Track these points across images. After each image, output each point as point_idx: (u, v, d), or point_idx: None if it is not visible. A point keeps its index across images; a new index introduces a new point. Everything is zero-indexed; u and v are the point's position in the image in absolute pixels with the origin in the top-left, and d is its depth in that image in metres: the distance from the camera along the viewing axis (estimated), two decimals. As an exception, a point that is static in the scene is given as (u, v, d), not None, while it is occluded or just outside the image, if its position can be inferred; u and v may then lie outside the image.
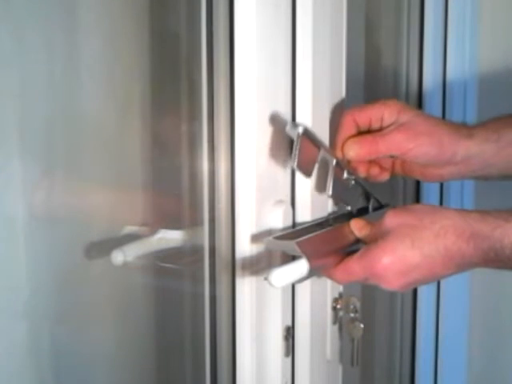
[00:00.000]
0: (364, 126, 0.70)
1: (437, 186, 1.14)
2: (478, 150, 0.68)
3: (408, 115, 0.68)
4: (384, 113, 0.68)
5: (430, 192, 1.13)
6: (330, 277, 0.65)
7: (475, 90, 1.10)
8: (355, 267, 0.62)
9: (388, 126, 0.69)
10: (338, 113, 0.74)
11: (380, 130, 0.69)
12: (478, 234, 0.58)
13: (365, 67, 0.96)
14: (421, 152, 0.67)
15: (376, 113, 0.69)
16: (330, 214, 0.73)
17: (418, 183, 1.14)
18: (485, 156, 0.68)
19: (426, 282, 0.62)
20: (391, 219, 0.61)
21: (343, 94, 0.75)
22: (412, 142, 0.67)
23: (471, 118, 1.09)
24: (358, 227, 0.66)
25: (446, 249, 0.59)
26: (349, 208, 0.72)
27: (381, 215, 0.63)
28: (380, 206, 0.75)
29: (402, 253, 0.59)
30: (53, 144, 0.53)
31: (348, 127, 0.69)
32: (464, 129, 0.69)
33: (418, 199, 1.13)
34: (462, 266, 0.60)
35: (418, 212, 0.62)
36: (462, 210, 0.61)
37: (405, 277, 0.60)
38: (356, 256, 0.62)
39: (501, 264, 0.59)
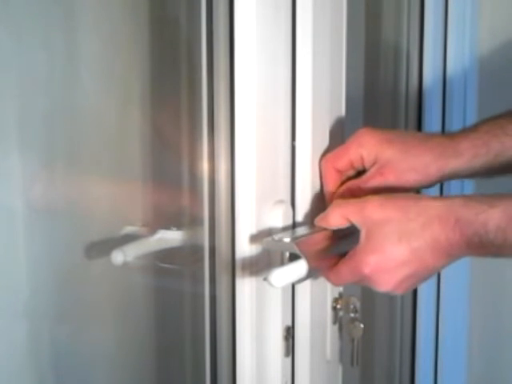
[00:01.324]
0: (346, 170, 0.69)
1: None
2: (467, 167, 0.67)
3: (387, 153, 0.66)
4: (362, 154, 0.67)
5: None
6: (326, 278, 0.65)
7: (475, 81, 1.10)
8: (344, 270, 0.61)
9: (371, 166, 0.67)
10: (337, 112, 0.74)
11: (364, 169, 0.68)
12: (462, 219, 0.57)
13: (365, 60, 0.96)
14: (408, 185, 0.67)
15: (354, 156, 0.67)
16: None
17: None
18: (473, 169, 0.67)
19: (419, 276, 0.60)
20: (374, 212, 0.60)
21: (343, 92, 0.75)
22: (398, 182, 0.66)
23: (471, 108, 1.09)
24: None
25: (433, 239, 0.58)
26: None
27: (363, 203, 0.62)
28: None
29: (389, 250, 0.58)
30: (52, 145, 0.53)
31: (331, 178, 0.69)
32: (451, 146, 0.67)
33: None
34: (453, 255, 0.59)
35: (401, 204, 0.60)
36: (446, 198, 0.60)
37: (395, 274, 0.59)
38: (344, 258, 0.61)
39: (483, 251, 0.57)
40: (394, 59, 1.09)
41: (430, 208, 0.59)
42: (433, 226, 0.58)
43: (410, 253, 0.58)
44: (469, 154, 0.66)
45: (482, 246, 0.57)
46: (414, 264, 0.59)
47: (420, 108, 1.12)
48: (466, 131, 0.69)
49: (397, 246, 0.58)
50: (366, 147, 0.67)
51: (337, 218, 0.63)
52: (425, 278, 0.62)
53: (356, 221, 0.61)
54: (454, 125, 1.10)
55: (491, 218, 0.56)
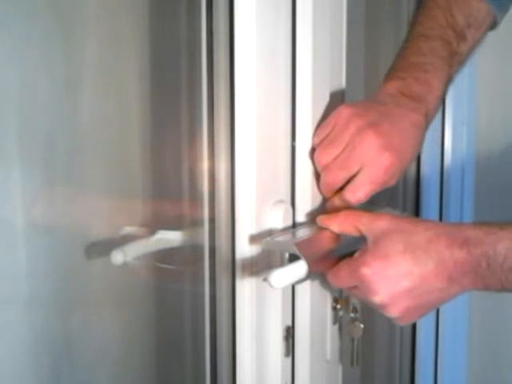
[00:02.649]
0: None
1: (436, 188, 1.14)
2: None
3: (389, 163, 0.66)
4: None
5: (430, 194, 1.14)
6: (325, 279, 0.64)
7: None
8: (343, 270, 0.61)
9: None
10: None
11: None
12: (471, 238, 0.57)
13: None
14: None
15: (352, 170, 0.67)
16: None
17: (417, 186, 1.14)
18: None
19: (417, 297, 0.59)
20: (385, 224, 0.61)
21: (343, 92, 0.75)
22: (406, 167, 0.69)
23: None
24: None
25: (438, 254, 0.57)
26: None
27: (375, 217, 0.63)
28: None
29: (393, 258, 0.58)
30: (53, 146, 0.53)
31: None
32: (427, 115, 0.69)
33: (417, 201, 1.13)
34: (454, 279, 0.57)
35: (412, 220, 0.62)
36: (456, 222, 0.61)
37: (394, 285, 0.58)
38: (346, 259, 0.62)
39: (489, 279, 0.56)
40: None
41: (439, 226, 0.60)
42: (440, 242, 0.58)
43: (413, 265, 0.58)
44: (434, 107, 0.71)
45: (490, 272, 0.56)
46: (414, 278, 0.58)
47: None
48: (431, 91, 0.71)
49: (401, 256, 0.58)
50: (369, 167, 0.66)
51: (347, 225, 0.63)
52: (422, 304, 0.60)
53: (365, 231, 0.62)
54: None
55: (501, 239, 0.56)
